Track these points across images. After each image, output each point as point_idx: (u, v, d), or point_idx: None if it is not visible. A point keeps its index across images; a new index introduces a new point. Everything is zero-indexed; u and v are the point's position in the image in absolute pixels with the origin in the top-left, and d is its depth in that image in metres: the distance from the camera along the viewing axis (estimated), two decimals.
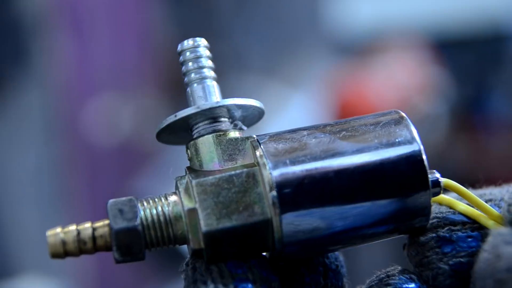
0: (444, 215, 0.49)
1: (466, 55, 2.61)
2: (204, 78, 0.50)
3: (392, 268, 0.49)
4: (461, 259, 0.47)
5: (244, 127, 0.51)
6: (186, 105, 0.50)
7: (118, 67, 2.31)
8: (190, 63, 0.50)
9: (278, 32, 2.49)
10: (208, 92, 0.50)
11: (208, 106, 0.48)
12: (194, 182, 0.46)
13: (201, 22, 2.35)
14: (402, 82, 2.25)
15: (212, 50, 0.51)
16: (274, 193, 0.45)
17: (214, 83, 0.50)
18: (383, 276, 0.48)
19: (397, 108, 0.50)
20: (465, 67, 2.58)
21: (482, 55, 2.62)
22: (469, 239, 0.48)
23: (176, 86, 2.26)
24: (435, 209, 0.49)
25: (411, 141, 0.47)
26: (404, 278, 0.48)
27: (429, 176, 0.47)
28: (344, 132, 0.47)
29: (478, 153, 2.42)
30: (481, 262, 0.44)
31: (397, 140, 0.47)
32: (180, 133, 0.51)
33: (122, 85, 2.30)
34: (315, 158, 0.46)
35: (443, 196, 0.49)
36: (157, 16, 2.36)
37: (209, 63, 0.51)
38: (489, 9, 2.61)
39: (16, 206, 2.28)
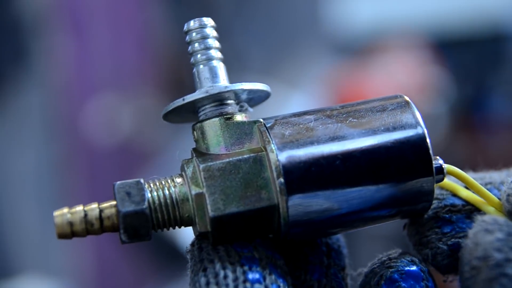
0: (445, 197, 0.50)
1: (466, 55, 2.61)
2: (210, 59, 0.50)
3: (394, 251, 0.50)
4: (460, 240, 0.48)
5: (250, 109, 0.51)
6: (192, 87, 0.50)
7: (118, 67, 2.31)
8: (196, 44, 0.50)
9: (278, 32, 2.49)
10: (215, 74, 0.50)
11: (216, 91, 0.48)
12: (201, 166, 0.46)
13: None
14: (402, 82, 2.24)
15: (218, 39, 0.51)
16: (282, 180, 0.45)
17: (221, 64, 0.50)
18: (385, 259, 0.49)
19: (406, 98, 0.50)
20: (465, 67, 2.57)
21: (482, 55, 2.62)
22: (468, 220, 0.49)
23: (176, 86, 2.26)
24: (436, 191, 0.50)
25: (416, 127, 0.47)
26: (406, 261, 0.48)
27: (433, 162, 0.47)
28: (350, 118, 0.48)
29: (478, 153, 2.41)
30: (463, 248, 0.45)
31: (402, 126, 0.47)
32: (186, 113, 0.50)
33: (122, 85, 2.29)
34: (322, 144, 0.46)
35: (446, 181, 0.50)
36: (157, 16, 2.36)
37: (216, 43, 0.51)
38: (489, 9, 2.61)
39: (16, 206, 2.27)
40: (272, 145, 0.46)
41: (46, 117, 2.28)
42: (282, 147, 0.46)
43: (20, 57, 2.24)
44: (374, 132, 0.47)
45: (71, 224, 0.46)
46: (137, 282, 2.25)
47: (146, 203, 0.46)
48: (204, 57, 0.50)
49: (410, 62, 2.31)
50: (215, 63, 0.50)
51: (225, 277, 0.44)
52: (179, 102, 0.48)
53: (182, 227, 0.48)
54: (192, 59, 0.50)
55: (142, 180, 0.47)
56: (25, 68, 2.25)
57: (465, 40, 2.63)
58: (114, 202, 0.46)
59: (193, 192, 0.46)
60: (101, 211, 0.46)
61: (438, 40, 2.49)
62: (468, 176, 0.50)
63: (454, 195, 0.50)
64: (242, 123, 0.48)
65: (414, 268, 0.48)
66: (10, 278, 2.11)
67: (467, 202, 0.49)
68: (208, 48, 0.50)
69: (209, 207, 0.46)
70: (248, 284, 0.44)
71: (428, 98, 2.25)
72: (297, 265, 0.49)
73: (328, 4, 2.58)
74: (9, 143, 2.28)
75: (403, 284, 0.47)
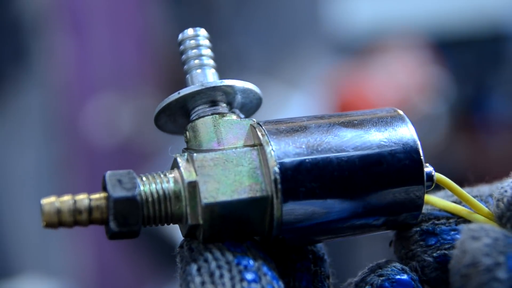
0: (429, 211, 0.50)
1: (466, 55, 2.61)
2: (204, 65, 0.50)
3: (384, 260, 0.49)
4: (445, 251, 0.48)
5: (242, 115, 0.51)
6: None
7: (118, 67, 2.31)
8: (190, 51, 0.51)
9: (278, 32, 2.49)
10: (207, 79, 0.50)
11: (212, 85, 0.48)
12: (195, 156, 0.46)
13: (201, 22, 2.35)
14: (402, 82, 2.25)
15: (212, 49, 0.52)
16: (276, 169, 0.45)
17: (214, 70, 0.51)
18: (375, 267, 0.49)
19: (396, 108, 0.51)
20: (465, 67, 2.57)
21: (482, 55, 2.62)
22: (453, 232, 0.48)
23: (176, 86, 2.26)
24: None
25: (407, 133, 0.48)
26: (396, 269, 0.48)
27: (424, 169, 0.48)
28: (342, 120, 0.48)
29: (478, 153, 2.42)
30: (452, 258, 0.44)
31: (394, 130, 0.48)
32: (178, 119, 0.50)
33: (122, 85, 2.30)
34: (316, 138, 0.47)
35: (425, 196, 0.50)
36: (157, 16, 2.36)
37: (209, 52, 0.51)
38: (489, 9, 2.61)
39: (16, 206, 2.27)
40: (267, 137, 0.46)
41: (46, 117, 2.28)
42: (277, 139, 0.46)
43: (20, 57, 2.24)
44: (366, 132, 0.48)
45: (59, 212, 0.45)
46: (137, 282, 2.25)
47: (137, 190, 0.45)
48: (198, 62, 0.50)
49: (410, 62, 2.31)
50: (208, 69, 0.50)
51: (221, 276, 0.43)
52: (174, 96, 0.48)
53: (171, 224, 0.47)
54: (185, 66, 0.51)
55: (132, 171, 0.47)
56: (25, 68, 2.25)
57: (465, 40, 2.63)
58: (104, 194, 0.46)
59: (186, 181, 0.46)
60: (90, 200, 0.45)
61: (438, 40, 2.49)
62: (457, 186, 0.50)
63: (437, 208, 0.50)
64: (235, 121, 0.49)
65: (405, 276, 0.47)
66: (10, 278, 2.11)
67: (452, 214, 0.49)
68: (202, 55, 0.51)
69: (201, 195, 0.45)
70: (245, 284, 0.43)
71: (428, 98, 2.25)
72: (285, 272, 0.48)
73: (328, 4, 2.58)
74: (9, 143, 2.28)
75: None
